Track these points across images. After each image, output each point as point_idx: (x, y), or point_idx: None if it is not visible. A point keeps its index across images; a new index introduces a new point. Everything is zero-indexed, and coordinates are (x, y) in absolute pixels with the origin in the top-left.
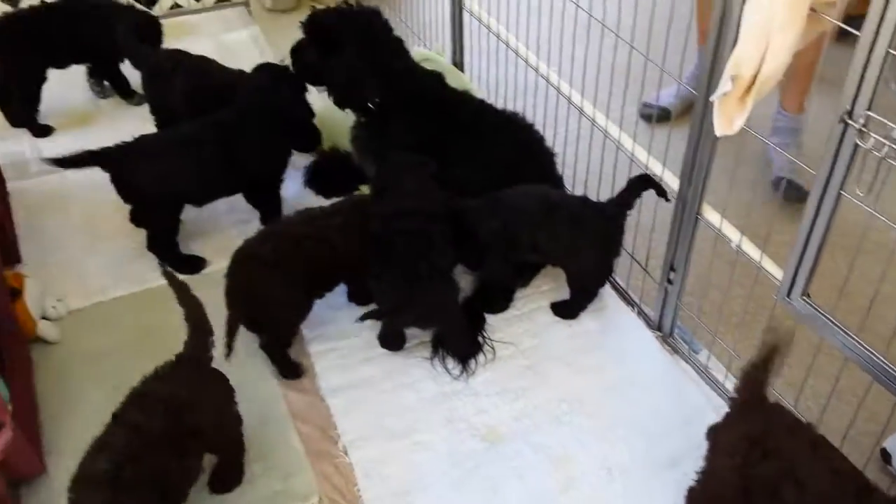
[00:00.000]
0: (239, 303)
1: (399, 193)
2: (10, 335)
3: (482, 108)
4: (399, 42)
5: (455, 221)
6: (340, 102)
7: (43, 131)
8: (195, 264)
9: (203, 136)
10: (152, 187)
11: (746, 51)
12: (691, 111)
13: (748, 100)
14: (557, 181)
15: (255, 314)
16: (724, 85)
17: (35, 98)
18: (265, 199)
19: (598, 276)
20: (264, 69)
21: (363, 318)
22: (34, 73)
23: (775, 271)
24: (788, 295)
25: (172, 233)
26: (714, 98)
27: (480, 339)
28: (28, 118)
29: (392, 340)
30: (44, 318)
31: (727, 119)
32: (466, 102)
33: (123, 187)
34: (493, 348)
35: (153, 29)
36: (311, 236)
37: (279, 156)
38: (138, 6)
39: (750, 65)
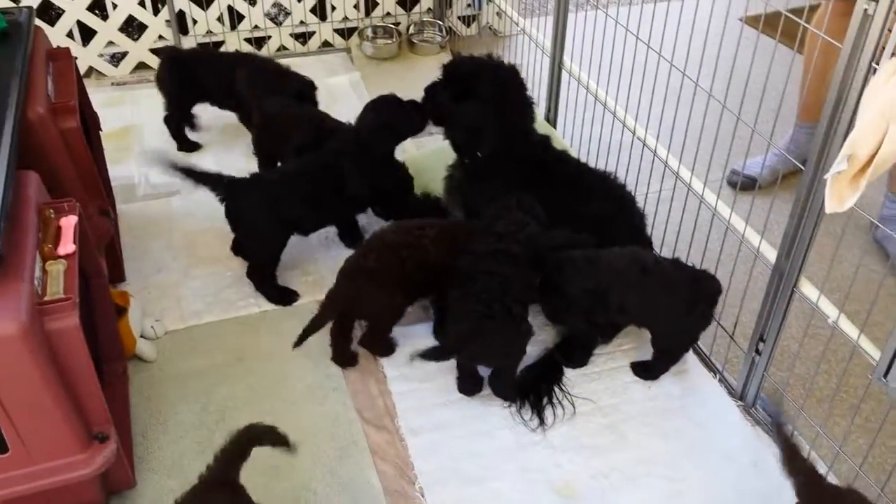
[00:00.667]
0: (339, 308)
1: (493, 234)
2: (112, 352)
3: (579, 169)
4: (529, 105)
5: (549, 271)
6: (455, 145)
7: (192, 146)
8: (288, 296)
9: (313, 169)
10: (265, 215)
11: (864, 133)
12: (777, 182)
13: (861, 180)
14: (647, 242)
15: (360, 317)
16: (840, 164)
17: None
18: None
19: (684, 341)
20: (379, 106)
21: (422, 355)
22: (188, 104)
23: (871, 350)
24: (885, 376)
25: (273, 264)
26: (828, 176)
27: (559, 391)
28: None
29: (467, 385)
30: (142, 336)
31: (838, 197)
32: (565, 163)
33: (235, 216)
34: (572, 403)
35: (312, 90)
36: (406, 244)
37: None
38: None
39: (867, 146)
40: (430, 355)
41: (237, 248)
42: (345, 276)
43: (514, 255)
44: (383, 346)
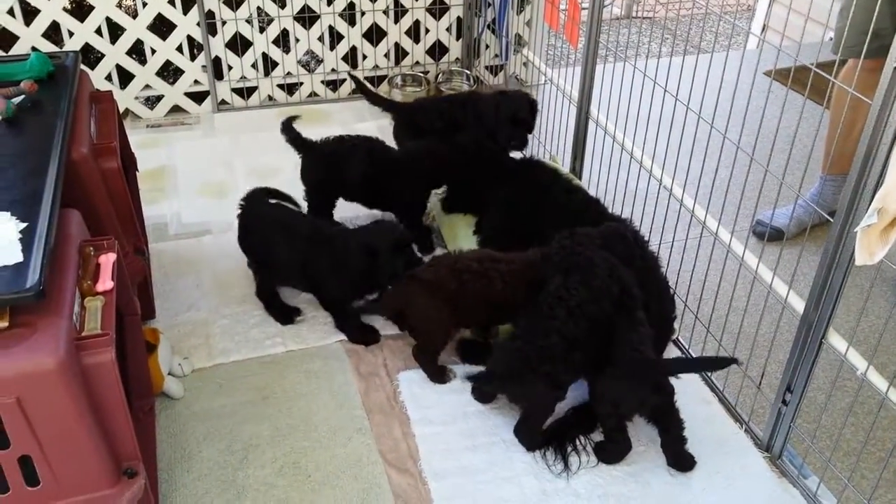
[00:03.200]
0: (391, 306)
1: (588, 286)
2: (141, 389)
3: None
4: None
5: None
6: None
7: None
8: (288, 315)
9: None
10: None
11: (894, 187)
12: (806, 233)
13: (891, 233)
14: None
15: (408, 324)
16: (870, 217)
17: None
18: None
19: None
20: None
21: (471, 378)
22: None
23: None
24: None
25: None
26: (858, 229)
27: (583, 438)
28: None
29: (481, 396)
30: (170, 374)
31: (868, 250)
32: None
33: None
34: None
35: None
36: (472, 270)
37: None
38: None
39: None
40: (477, 379)
41: (261, 292)
42: (406, 279)
43: (598, 320)
44: (432, 369)
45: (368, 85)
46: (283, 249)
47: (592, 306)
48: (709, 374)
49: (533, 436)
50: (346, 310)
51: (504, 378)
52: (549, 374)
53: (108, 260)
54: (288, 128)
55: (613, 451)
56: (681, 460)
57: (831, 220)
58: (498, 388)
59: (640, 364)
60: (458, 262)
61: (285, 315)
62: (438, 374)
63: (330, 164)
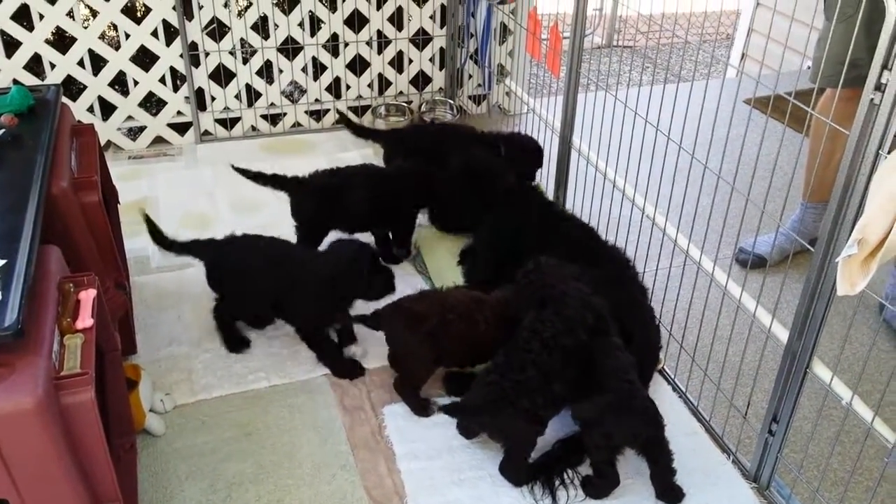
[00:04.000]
0: (379, 328)
1: (561, 318)
2: (121, 426)
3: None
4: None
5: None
6: None
7: None
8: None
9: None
10: None
11: (874, 217)
12: (788, 260)
13: (872, 264)
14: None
15: (393, 351)
16: (850, 248)
17: None
18: None
19: None
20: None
21: (443, 408)
22: None
23: (886, 432)
24: None
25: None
26: (839, 259)
27: (571, 472)
28: None
29: (465, 428)
30: (151, 410)
31: (849, 281)
32: None
33: None
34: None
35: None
36: (458, 311)
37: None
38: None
39: (877, 230)
40: (449, 410)
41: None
42: (392, 306)
43: (573, 352)
44: (414, 402)
45: (353, 117)
46: (253, 281)
47: (566, 337)
48: (695, 404)
49: (518, 471)
50: (323, 343)
51: (480, 412)
52: (528, 409)
53: (88, 296)
54: (262, 177)
55: (601, 485)
56: (669, 492)
57: (811, 248)
58: (476, 423)
59: (632, 396)
60: (447, 299)
61: (235, 343)
62: (421, 408)
63: (327, 197)
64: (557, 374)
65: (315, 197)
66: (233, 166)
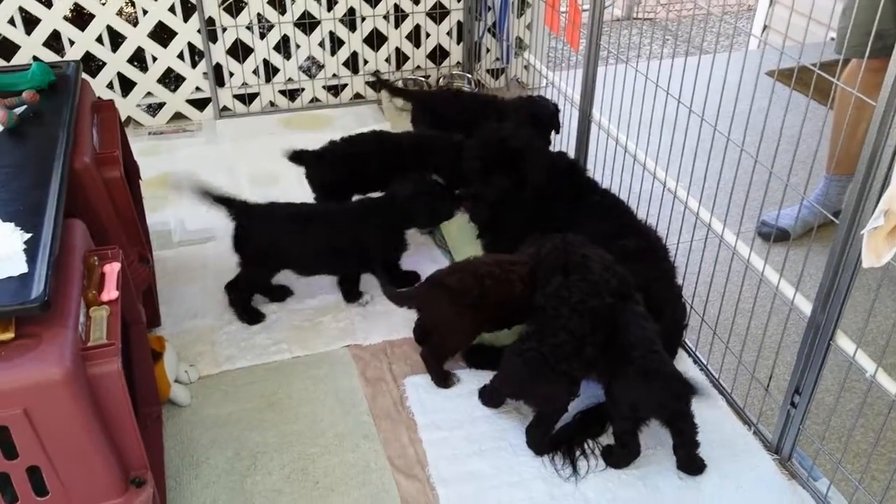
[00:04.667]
0: (414, 306)
1: (588, 282)
2: (147, 397)
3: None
4: None
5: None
6: None
7: None
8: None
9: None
10: None
11: None
12: (812, 234)
13: None
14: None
15: (429, 326)
16: (876, 220)
17: None
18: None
19: None
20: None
21: (482, 391)
22: None
23: None
24: None
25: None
26: (864, 231)
27: (592, 442)
28: None
29: (488, 399)
30: (176, 381)
31: (875, 252)
32: None
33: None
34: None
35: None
36: (494, 275)
37: None
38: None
39: None
40: (489, 388)
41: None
42: (426, 284)
43: (605, 317)
44: (438, 373)
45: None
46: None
47: (594, 300)
48: (716, 377)
49: (543, 439)
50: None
51: (525, 382)
52: (566, 372)
53: (112, 269)
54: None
55: (623, 455)
56: (692, 464)
57: (836, 220)
58: (516, 393)
59: (661, 368)
60: (478, 268)
61: (254, 315)
62: (444, 379)
63: (346, 164)
64: (588, 337)
65: (336, 165)
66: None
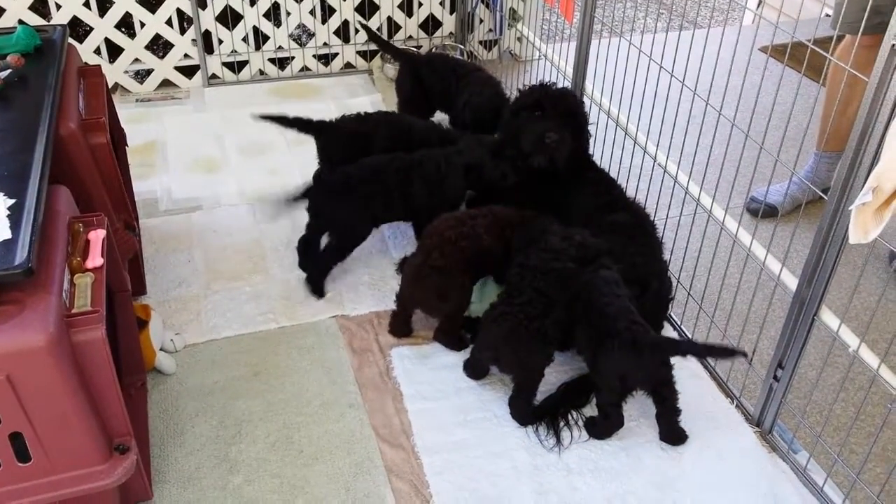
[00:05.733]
0: (412, 308)
1: (550, 250)
2: (132, 365)
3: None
4: None
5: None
6: None
7: None
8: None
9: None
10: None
11: (890, 165)
12: (801, 210)
13: (886, 212)
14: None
15: (433, 312)
16: (864, 196)
17: None
18: None
19: None
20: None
21: (466, 363)
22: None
23: (891, 379)
24: None
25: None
26: (853, 207)
27: (576, 413)
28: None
29: (472, 370)
30: (161, 349)
31: (863, 228)
32: None
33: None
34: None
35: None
36: (465, 236)
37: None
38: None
39: (893, 178)
40: (471, 359)
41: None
42: (415, 278)
43: (567, 277)
44: (457, 340)
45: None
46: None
47: (554, 262)
48: None
49: (526, 409)
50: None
51: (500, 342)
52: (539, 330)
53: (97, 236)
54: (286, 120)
55: (606, 426)
56: (674, 434)
57: (825, 197)
58: (494, 357)
59: (648, 338)
60: (446, 234)
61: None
62: (461, 341)
63: (355, 141)
64: (555, 295)
65: (344, 140)
66: (259, 115)
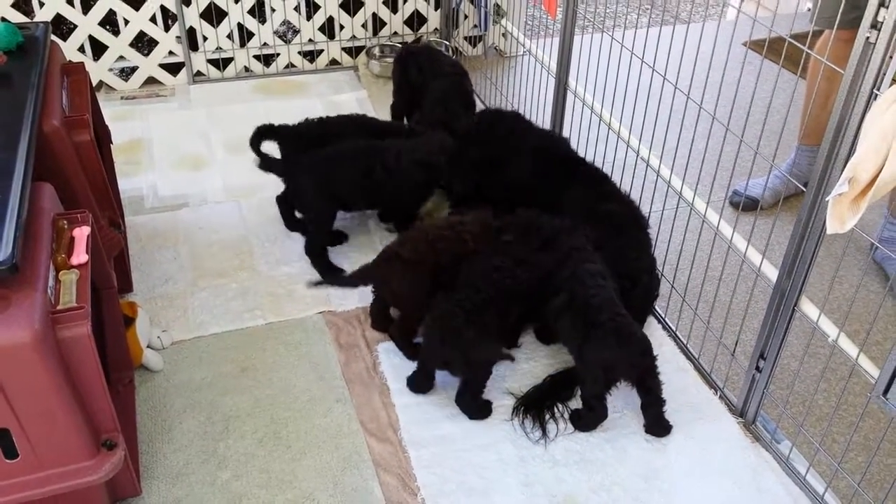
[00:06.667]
0: (368, 282)
1: (509, 251)
2: (119, 362)
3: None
4: None
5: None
6: None
7: None
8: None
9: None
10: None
11: (866, 156)
12: (779, 204)
13: (862, 202)
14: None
15: (389, 299)
16: (841, 186)
17: None
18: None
19: None
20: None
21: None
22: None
23: (871, 369)
24: (885, 394)
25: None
26: (829, 198)
27: (561, 406)
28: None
29: (416, 381)
30: (149, 346)
31: (839, 219)
32: None
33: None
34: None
35: None
36: (445, 237)
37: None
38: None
39: (868, 169)
40: (413, 382)
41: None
42: (381, 259)
43: (514, 274)
44: (409, 346)
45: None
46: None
47: (517, 246)
48: (684, 343)
49: (473, 404)
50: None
51: (441, 343)
52: (476, 323)
53: (82, 233)
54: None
55: (590, 418)
56: (659, 425)
57: (805, 189)
58: (440, 361)
59: (630, 328)
60: (429, 233)
61: (334, 270)
62: (415, 353)
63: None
64: (494, 293)
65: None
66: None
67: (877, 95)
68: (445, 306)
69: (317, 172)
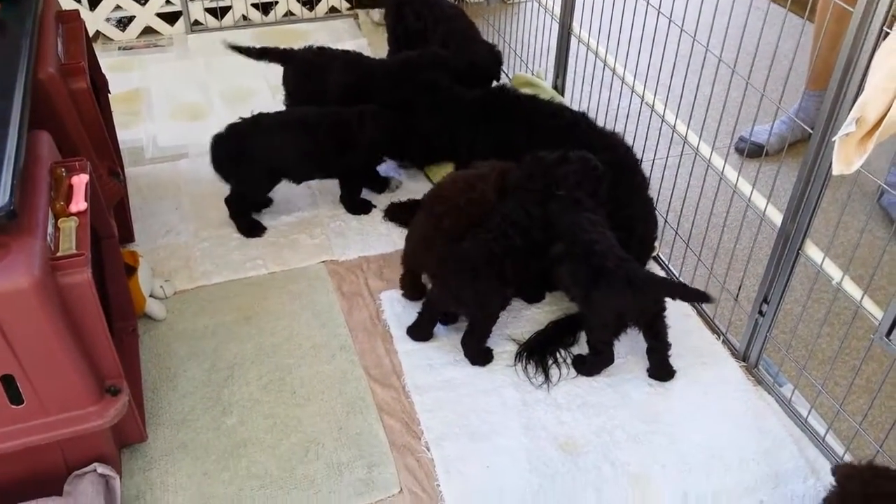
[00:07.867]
0: (420, 272)
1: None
2: (122, 310)
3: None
4: None
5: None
6: None
7: None
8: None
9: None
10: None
11: (874, 96)
12: (784, 149)
13: (869, 143)
14: (647, 203)
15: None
16: (848, 126)
17: None
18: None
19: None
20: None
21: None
22: None
23: (874, 311)
24: (888, 335)
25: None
26: (836, 138)
27: (563, 351)
28: None
29: (417, 328)
30: (151, 296)
31: (846, 159)
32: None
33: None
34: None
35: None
36: (474, 201)
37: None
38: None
39: (876, 109)
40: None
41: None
42: (423, 241)
43: (524, 228)
44: (483, 350)
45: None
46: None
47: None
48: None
49: (478, 349)
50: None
51: (461, 280)
52: (499, 270)
53: (80, 181)
54: (255, 52)
55: (596, 363)
56: (663, 369)
57: (812, 132)
58: (451, 296)
59: (637, 273)
60: (455, 200)
61: (256, 228)
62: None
63: (312, 73)
64: (512, 238)
65: (303, 70)
66: (230, 46)
67: (887, 34)
68: (468, 246)
69: (248, 148)
